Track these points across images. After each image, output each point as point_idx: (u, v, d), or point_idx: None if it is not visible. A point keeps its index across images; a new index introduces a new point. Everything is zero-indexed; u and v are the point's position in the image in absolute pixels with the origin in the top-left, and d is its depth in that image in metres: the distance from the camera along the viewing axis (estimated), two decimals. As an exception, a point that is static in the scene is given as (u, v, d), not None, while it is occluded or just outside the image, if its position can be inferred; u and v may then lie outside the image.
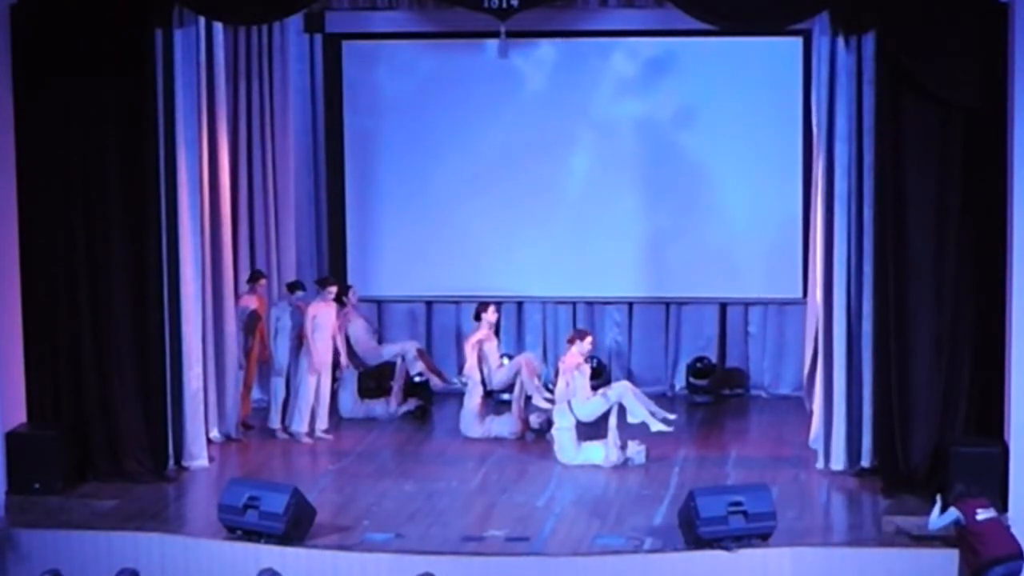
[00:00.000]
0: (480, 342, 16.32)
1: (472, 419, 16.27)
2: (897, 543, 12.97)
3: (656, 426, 15.14)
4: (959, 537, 12.54)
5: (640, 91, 17.80)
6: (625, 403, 15.18)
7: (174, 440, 14.94)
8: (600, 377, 17.11)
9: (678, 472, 14.97)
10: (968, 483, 12.74)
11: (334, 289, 16.36)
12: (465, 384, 16.33)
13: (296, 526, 13.03)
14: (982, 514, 12.43)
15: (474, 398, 16.29)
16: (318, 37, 18.16)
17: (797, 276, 17.33)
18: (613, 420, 15.16)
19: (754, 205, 17.67)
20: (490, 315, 16.45)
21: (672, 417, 15.34)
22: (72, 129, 14.47)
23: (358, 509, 13.96)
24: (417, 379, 17.28)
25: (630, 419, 15.18)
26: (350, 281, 17.74)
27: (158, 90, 14.53)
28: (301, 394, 16.11)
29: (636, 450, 15.21)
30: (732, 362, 18.13)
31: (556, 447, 15.36)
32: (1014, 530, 12.60)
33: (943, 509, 12.57)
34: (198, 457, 15.14)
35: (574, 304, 18.21)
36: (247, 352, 16.31)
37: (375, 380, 17.62)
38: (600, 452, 15.17)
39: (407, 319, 18.38)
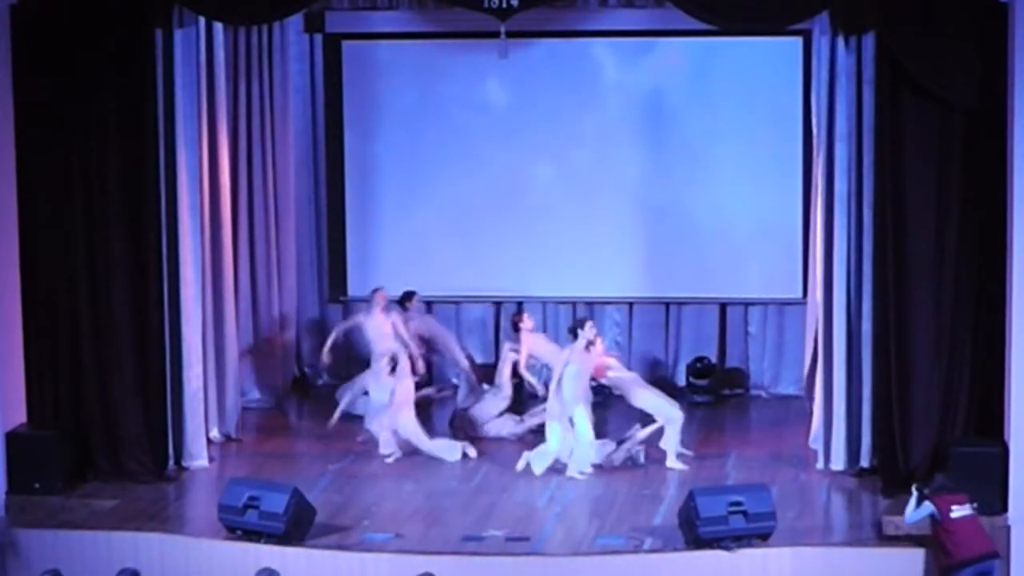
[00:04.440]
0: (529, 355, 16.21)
1: (481, 420, 16.22)
2: (897, 543, 12.96)
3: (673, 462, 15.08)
4: (932, 532, 12.41)
5: (639, 91, 17.79)
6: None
7: (174, 440, 14.94)
8: (600, 377, 17.10)
9: (678, 472, 14.96)
10: (954, 477, 12.64)
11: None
12: (493, 389, 16.26)
13: (296, 526, 13.02)
14: (957, 511, 12.28)
15: (496, 404, 16.21)
16: (318, 37, 18.16)
17: (797, 276, 17.33)
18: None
19: (754, 205, 17.66)
20: (526, 323, 16.33)
21: (689, 454, 15.28)
22: (72, 129, 14.45)
23: (358, 509, 13.95)
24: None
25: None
26: (349, 281, 17.77)
27: (158, 90, 14.52)
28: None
29: (636, 450, 15.21)
30: (732, 362, 18.10)
31: (556, 447, 15.36)
32: (1014, 530, 12.56)
33: (919, 501, 12.48)
34: (198, 457, 15.13)
35: (574, 304, 18.15)
36: None
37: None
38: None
39: (407, 319, 18.37)
